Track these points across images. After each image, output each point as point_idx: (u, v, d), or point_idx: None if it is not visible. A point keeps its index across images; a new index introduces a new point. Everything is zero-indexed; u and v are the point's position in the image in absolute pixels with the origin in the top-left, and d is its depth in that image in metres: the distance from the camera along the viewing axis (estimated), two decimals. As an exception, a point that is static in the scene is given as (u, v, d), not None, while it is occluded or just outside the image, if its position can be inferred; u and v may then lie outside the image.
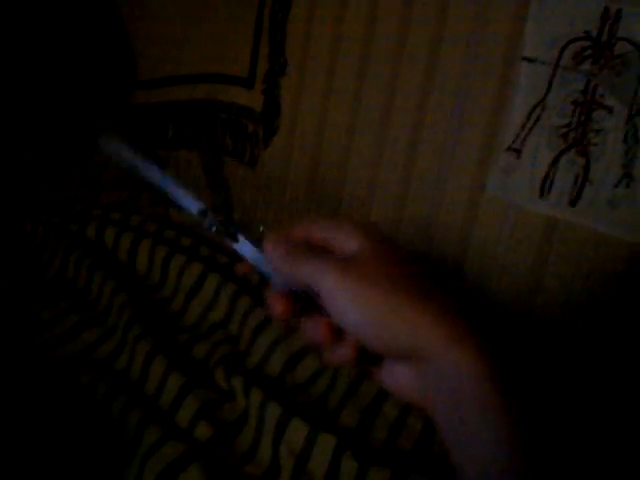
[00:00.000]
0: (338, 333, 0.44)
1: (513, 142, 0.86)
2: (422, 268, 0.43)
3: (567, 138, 0.83)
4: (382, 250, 0.43)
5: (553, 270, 0.84)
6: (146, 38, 1.17)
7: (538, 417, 0.37)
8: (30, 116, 1.13)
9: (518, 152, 0.85)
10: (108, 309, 0.87)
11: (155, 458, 0.65)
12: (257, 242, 0.49)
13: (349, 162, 0.98)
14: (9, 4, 1.10)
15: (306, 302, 0.46)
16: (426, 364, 0.40)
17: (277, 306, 0.46)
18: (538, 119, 0.84)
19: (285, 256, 0.45)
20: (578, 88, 0.82)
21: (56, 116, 1.16)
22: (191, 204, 0.53)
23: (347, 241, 0.44)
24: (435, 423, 0.40)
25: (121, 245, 0.99)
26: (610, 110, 0.80)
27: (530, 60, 0.83)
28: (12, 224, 1.05)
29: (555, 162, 0.84)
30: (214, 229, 0.52)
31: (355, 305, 0.40)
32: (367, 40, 0.93)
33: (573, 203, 0.84)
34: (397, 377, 0.44)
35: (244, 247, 0.50)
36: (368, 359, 0.45)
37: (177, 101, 1.16)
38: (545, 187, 0.85)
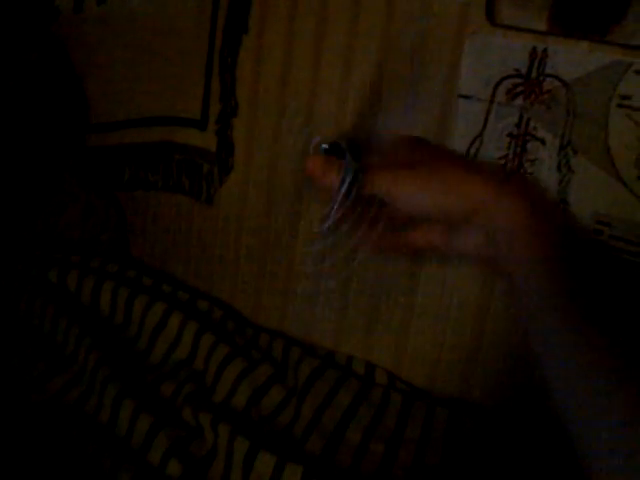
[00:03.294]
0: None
1: (455, 174, 0.91)
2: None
3: (505, 168, 0.88)
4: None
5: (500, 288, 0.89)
6: (98, 82, 1.20)
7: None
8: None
9: (461, 184, 0.91)
10: (75, 354, 0.89)
11: (130, 498, 0.68)
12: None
13: (303, 195, 1.02)
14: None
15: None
16: (483, 216, 0.49)
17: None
18: (477, 152, 0.90)
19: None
20: (512, 122, 0.87)
21: (11, 160, 1.17)
22: None
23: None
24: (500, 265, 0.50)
25: (84, 288, 1.01)
26: (543, 141, 0.86)
27: (466, 97, 0.89)
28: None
29: (495, 191, 0.89)
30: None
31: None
32: (313, 81, 0.97)
33: (514, 228, 0.89)
34: (465, 239, 0.53)
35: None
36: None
37: (132, 143, 1.18)
38: (488, 215, 0.90)
